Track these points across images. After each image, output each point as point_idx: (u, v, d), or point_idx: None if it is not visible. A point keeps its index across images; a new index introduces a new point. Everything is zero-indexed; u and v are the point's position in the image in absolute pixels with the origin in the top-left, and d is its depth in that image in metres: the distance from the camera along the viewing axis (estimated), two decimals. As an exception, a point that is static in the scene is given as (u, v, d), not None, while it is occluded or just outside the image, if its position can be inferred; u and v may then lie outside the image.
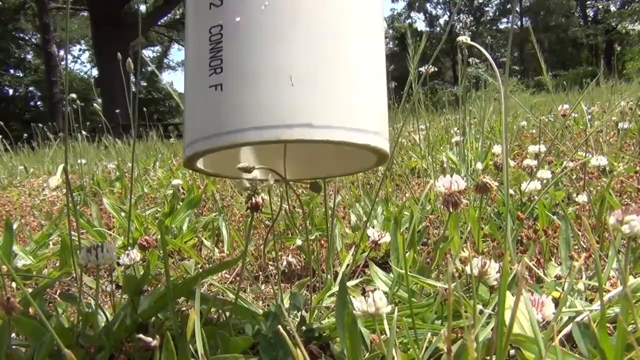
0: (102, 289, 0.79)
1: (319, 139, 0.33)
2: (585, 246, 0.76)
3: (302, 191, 1.40)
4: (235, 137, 0.33)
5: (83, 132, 2.97)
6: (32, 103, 20.63)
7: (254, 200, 0.46)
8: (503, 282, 0.36)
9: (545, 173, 1.00)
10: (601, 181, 1.10)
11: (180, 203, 1.23)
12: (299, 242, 0.87)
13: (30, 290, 0.67)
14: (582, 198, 0.88)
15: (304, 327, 0.54)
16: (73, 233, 0.65)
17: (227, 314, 0.54)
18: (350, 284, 0.68)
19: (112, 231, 1.15)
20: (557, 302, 0.50)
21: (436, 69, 1.66)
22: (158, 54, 24.19)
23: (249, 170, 0.38)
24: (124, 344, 0.49)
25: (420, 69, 1.64)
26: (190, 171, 2.20)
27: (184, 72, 0.38)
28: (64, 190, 1.95)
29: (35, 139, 4.32)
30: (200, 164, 0.39)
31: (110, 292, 0.69)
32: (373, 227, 0.84)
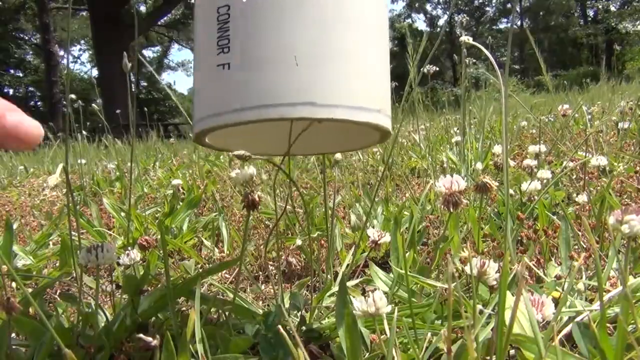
0: (102, 289, 0.79)
1: (322, 117, 0.34)
2: (585, 246, 0.76)
3: (303, 190, 1.40)
4: (241, 115, 0.34)
5: (83, 132, 2.97)
6: (32, 103, 20.63)
7: (250, 198, 0.46)
8: (503, 282, 0.36)
9: (545, 173, 0.99)
10: (601, 181, 1.10)
11: (180, 203, 1.23)
12: (299, 242, 0.87)
13: (30, 290, 0.67)
14: (582, 198, 0.88)
15: (304, 327, 0.54)
16: (73, 233, 0.65)
17: (227, 314, 0.54)
18: (350, 284, 0.68)
19: (112, 231, 1.15)
20: (557, 302, 0.50)
21: (437, 69, 1.65)
22: (158, 54, 24.17)
23: (245, 158, 0.39)
24: (124, 344, 0.49)
25: (422, 69, 1.64)
26: (190, 171, 2.20)
27: (193, 50, 0.39)
28: (64, 190, 1.95)
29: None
30: (209, 139, 0.40)
31: (110, 292, 0.69)
32: (373, 227, 0.84)
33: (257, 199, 0.47)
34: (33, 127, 0.33)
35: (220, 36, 0.35)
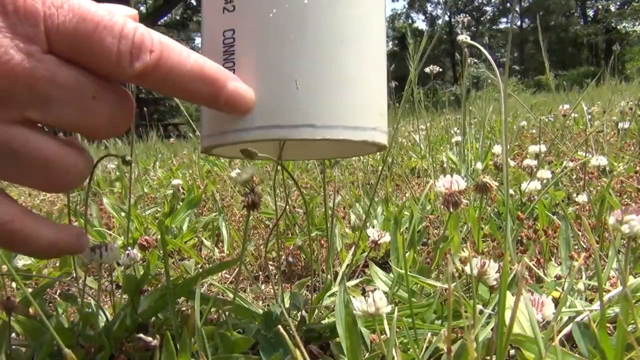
0: (102, 289, 0.79)
1: (321, 138, 0.36)
2: (585, 246, 0.76)
3: (303, 190, 1.40)
4: (244, 135, 0.37)
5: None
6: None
7: (250, 198, 0.47)
8: (503, 282, 0.36)
9: (545, 173, 1.00)
10: (601, 181, 1.10)
11: (180, 203, 1.23)
12: (299, 242, 0.87)
13: (30, 290, 0.67)
14: (582, 198, 0.88)
15: (304, 327, 0.55)
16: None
17: (227, 314, 0.54)
18: (350, 284, 0.68)
19: (112, 231, 1.15)
20: (557, 302, 0.50)
21: (440, 69, 1.65)
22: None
23: (252, 155, 0.42)
24: (124, 344, 0.49)
25: (425, 69, 1.64)
26: (190, 171, 2.20)
27: None
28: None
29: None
30: (215, 151, 0.43)
31: (110, 292, 0.69)
32: (373, 227, 0.84)
33: (258, 199, 0.47)
34: (247, 92, 0.36)
35: (226, 59, 0.37)
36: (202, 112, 0.41)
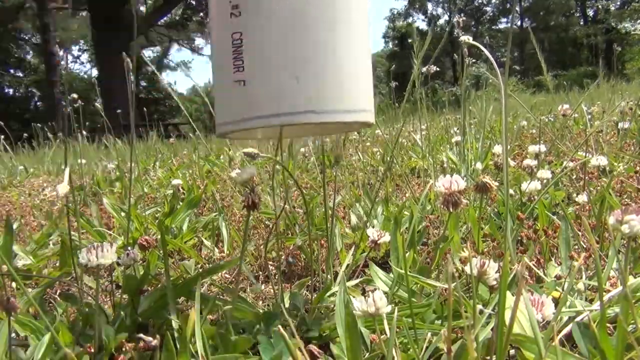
0: (102, 289, 0.79)
1: (320, 121, 0.45)
2: (585, 246, 0.76)
3: (303, 190, 1.39)
4: (258, 122, 0.44)
5: (83, 132, 2.97)
6: (32, 103, 20.59)
7: (250, 198, 0.47)
8: (503, 282, 0.36)
9: (545, 173, 0.99)
10: (601, 181, 1.10)
11: (180, 203, 1.23)
12: (299, 242, 0.87)
13: (30, 290, 0.67)
14: (582, 198, 0.88)
15: (304, 327, 0.54)
16: (73, 233, 0.65)
17: (227, 314, 0.54)
18: (350, 284, 0.68)
19: (112, 231, 1.15)
20: (557, 302, 0.50)
21: (438, 69, 1.65)
22: (158, 54, 24.11)
23: (253, 156, 0.49)
24: (124, 344, 0.49)
25: (423, 69, 1.63)
26: (190, 171, 2.20)
27: (212, 67, 0.50)
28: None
29: (35, 139, 4.32)
30: (231, 135, 0.51)
31: (110, 292, 0.69)
32: (373, 227, 0.84)
33: (258, 199, 0.47)
34: None
35: (235, 57, 0.44)
36: (216, 102, 0.47)
